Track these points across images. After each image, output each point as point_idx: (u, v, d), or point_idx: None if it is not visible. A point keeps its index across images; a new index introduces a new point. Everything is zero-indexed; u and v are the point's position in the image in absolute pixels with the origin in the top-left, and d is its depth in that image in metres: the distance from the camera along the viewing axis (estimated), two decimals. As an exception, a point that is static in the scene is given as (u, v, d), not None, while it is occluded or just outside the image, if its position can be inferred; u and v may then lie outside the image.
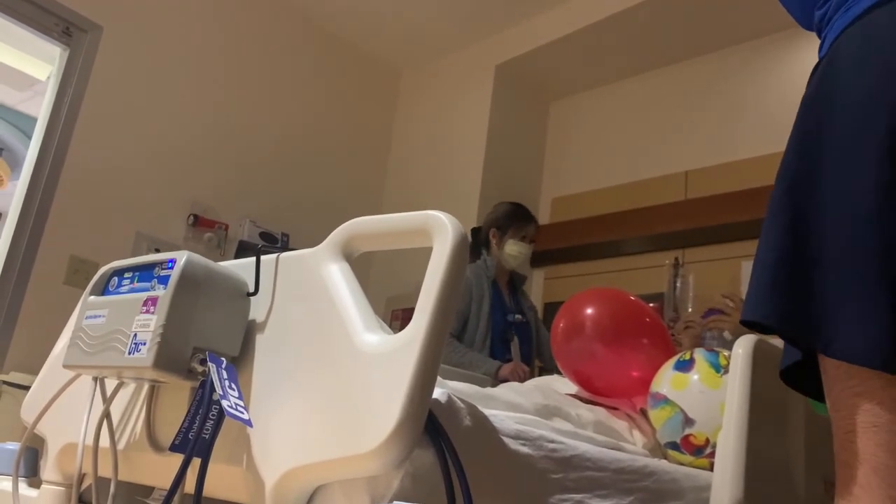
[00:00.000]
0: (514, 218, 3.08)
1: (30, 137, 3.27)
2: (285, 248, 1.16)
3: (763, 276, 0.84)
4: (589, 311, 1.81)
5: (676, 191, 3.56)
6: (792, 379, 0.92)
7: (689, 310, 3.10)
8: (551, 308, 3.77)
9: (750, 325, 0.86)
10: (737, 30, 3.50)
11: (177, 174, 3.47)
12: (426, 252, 0.95)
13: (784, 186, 0.86)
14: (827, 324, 0.78)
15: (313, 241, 1.13)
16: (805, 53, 3.28)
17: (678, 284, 3.27)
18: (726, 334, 2.17)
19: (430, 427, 0.91)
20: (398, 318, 3.88)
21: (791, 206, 0.84)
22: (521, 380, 2.50)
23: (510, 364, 2.77)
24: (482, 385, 1.74)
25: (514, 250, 3.02)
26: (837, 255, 0.79)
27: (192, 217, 3.45)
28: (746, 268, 3.19)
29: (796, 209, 0.84)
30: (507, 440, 1.04)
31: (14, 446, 1.65)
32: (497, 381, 2.62)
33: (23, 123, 4.60)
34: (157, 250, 3.21)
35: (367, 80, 4.45)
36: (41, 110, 3.18)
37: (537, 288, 3.97)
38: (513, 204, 3.17)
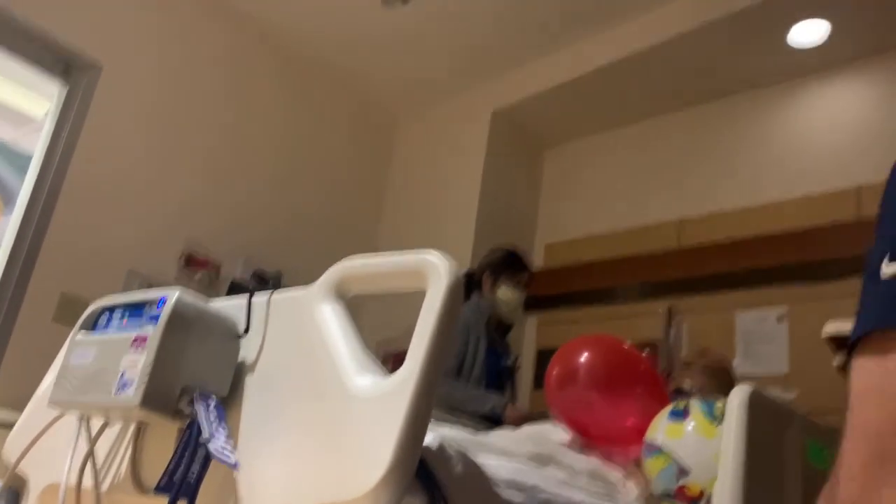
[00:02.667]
0: (509, 264, 3.07)
1: (24, 173, 3.27)
2: (277, 286, 1.15)
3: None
4: (583, 358, 1.79)
5: (670, 239, 3.57)
6: None
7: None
8: (544, 355, 3.75)
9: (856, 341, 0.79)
10: (731, 81, 3.54)
11: (170, 213, 3.46)
12: (419, 295, 0.95)
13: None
14: None
15: (308, 282, 1.12)
16: (800, 106, 3.32)
17: (672, 333, 3.26)
18: (686, 383, 2.16)
19: (421, 473, 0.89)
20: (389, 360, 3.85)
21: None
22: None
23: (516, 412, 2.71)
24: (473, 431, 1.71)
25: (506, 296, 3.00)
26: None
27: (184, 256, 3.44)
28: (740, 317, 3.18)
29: None
30: (499, 489, 1.02)
31: (-6, 486, 1.61)
32: (501, 420, 2.61)
33: (17, 159, 4.60)
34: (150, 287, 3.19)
35: (364, 123, 4.49)
36: (37, 146, 3.19)
37: (530, 334, 3.95)
38: (508, 250, 3.16)
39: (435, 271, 0.94)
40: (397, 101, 4.52)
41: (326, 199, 4.18)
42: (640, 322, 3.44)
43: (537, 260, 4.11)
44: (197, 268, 3.47)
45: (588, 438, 1.76)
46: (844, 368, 1.42)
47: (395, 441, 0.84)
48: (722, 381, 2.16)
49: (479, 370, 2.85)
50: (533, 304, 3.96)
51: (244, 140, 3.83)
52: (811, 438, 1.57)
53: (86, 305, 3.20)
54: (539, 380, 3.74)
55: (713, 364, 2.24)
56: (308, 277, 1.19)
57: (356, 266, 1.06)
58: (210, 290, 3.48)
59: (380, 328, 3.89)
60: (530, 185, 4.30)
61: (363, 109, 4.48)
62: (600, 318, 3.63)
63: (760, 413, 1.37)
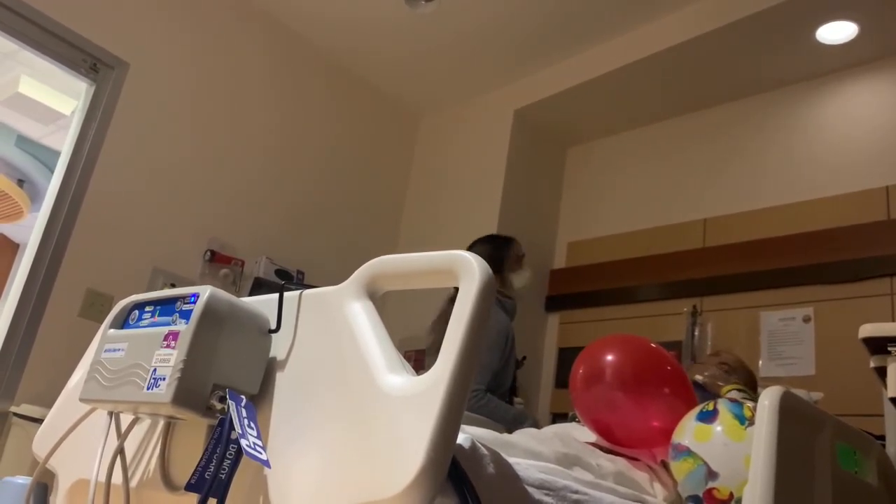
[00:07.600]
0: (514, 249, 3.03)
1: (51, 170, 3.30)
2: (307, 285, 1.15)
3: None
4: (609, 357, 1.77)
5: (695, 238, 3.54)
6: None
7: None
8: (566, 353, 3.74)
9: None
10: (759, 79, 3.51)
11: (195, 210, 3.49)
12: (439, 294, 0.94)
13: None
14: None
15: (329, 280, 1.12)
16: (828, 104, 3.28)
17: (696, 333, 3.23)
18: (698, 377, 2.14)
19: (453, 474, 0.88)
20: (411, 358, 3.85)
21: None
22: None
23: None
24: (499, 431, 1.70)
25: (522, 278, 2.97)
26: None
27: (208, 253, 3.46)
28: (765, 317, 3.15)
29: None
30: (531, 490, 1.01)
31: (24, 480, 1.63)
32: None
33: (45, 156, 4.65)
34: (174, 285, 3.21)
35: (387, 122, 4.49)
36: (65, 144, 3.21)
37: (551, 333, 3.94)
38: (505, 238, 3.12)
39: (468, 269, 0.93)
40: (420, 100, 4.52)
41: (348, 198, 4.19)
42: (663, 322, 3.42)
43: (559, 258, 4.10)
44: (221, 264, 3.49)
45: (614, 439, 1.74)
46: (881, 371, 1.40)
47: (428, 440, 0.83)
48: (740, 377, 2.15)
49: (509, 381, 2.78)
50: (555, 302, 3.95)
51: (267, 138, 3.84)
52: (842, 441, 1.54)
53: (111, 301, 3.24)
54: (560, 379, 3.73)
55: (729, 360, 2.22)
56: (328, 277, 1.19)
57: (388, 263, 1.05)
58: (234, 287, 3.49)
59: (402, 327, 3.91)
60: (553, 183, 4.28)
61: (386, 108, 4.48)
62: (623, 318, 3.61)
63: (791, 415, 1.35)
